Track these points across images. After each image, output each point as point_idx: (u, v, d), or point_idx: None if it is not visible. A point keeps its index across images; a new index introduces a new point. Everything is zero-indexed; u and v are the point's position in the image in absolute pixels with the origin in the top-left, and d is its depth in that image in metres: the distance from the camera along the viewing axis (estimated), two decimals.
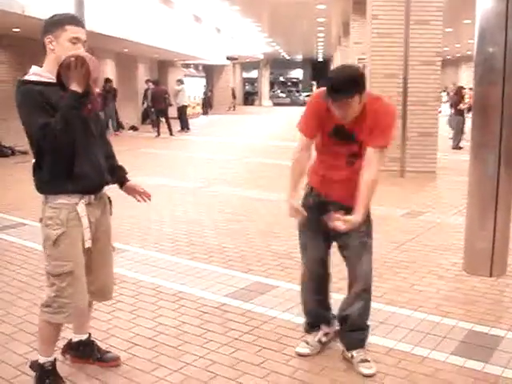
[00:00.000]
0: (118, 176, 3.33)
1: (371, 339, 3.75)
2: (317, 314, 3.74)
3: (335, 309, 3.70)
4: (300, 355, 3.61)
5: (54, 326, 3.11)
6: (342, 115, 3.20)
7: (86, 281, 3.05)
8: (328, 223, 3.20)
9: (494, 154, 4.92)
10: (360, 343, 3.54)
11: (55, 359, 3.21)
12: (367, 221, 3.41)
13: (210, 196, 8.97)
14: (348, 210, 3.21)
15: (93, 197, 3.05)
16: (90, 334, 3.54)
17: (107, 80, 19.58)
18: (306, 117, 3.40)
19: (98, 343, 3.57)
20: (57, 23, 2.87)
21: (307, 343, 3.67)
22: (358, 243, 3.43)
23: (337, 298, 4.46)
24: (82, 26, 2.93)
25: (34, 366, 3.20)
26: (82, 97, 2.84)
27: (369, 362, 3.44)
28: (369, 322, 3.60)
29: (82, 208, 2.97)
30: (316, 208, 3.44)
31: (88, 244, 3.03)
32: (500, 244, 5.03)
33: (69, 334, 3.52)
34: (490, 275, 5.02)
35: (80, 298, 3.03)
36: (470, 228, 5.20)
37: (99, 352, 3.50)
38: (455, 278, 5.07)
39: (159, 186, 9.68)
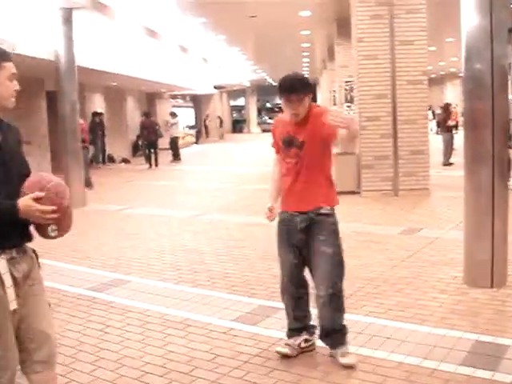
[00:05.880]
0: None
1: (379, 354, 3.81)
2: (297, 318, 3.91)
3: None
4: (279, 353, 3.86)
5: None
6: (295, 112, 3.66)
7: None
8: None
9: (487, 167, 5.02)
10: (340, 342, 3.79)
11: None
12: (332, 230, 3.75)
13: (206, 224, 9.01)
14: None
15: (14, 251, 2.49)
16: None
17: (96, 114, 19.59)
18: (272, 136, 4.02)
19: (109, 374, 3.58)
20: None
21: (287, 345, 3.90)
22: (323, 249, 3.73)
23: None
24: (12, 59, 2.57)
25: None
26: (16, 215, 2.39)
27: (350, 354, 3.75)
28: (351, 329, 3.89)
29: (2, 265, 2.43)
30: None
31: (13, 305, 2.45)
32: (499, 254, 5.10)
33: None
34: (491, 286, 5.08)
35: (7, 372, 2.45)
36: (469, 240, 5.27)
37: None
38: (457, 291, 5.12)
39: (155, 217, 9.75)
